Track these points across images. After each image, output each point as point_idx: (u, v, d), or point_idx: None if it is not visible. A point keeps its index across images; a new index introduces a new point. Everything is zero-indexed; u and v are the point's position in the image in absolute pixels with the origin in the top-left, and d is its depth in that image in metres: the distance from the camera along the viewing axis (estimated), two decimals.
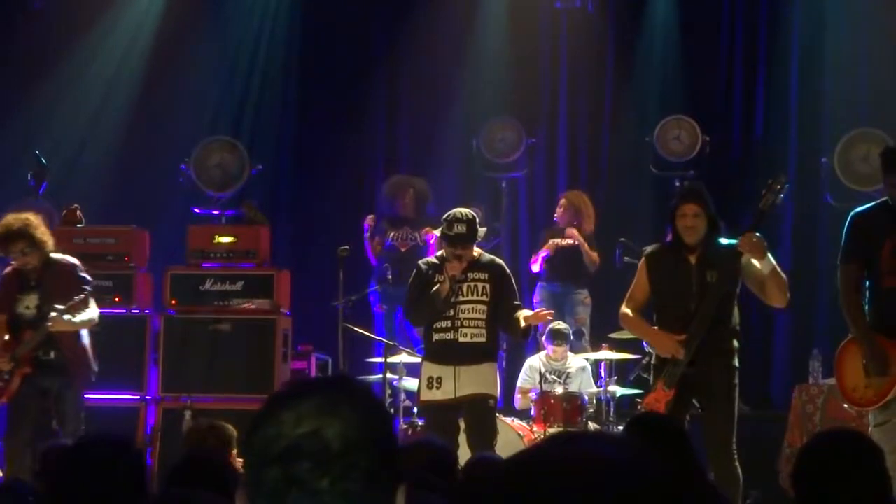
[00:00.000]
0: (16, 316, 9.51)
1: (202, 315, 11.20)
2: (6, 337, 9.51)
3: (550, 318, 10.09)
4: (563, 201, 13.02)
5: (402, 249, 12.48)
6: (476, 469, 5.13)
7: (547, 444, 2.01)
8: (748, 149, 13.94)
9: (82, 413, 9.54)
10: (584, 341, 12.43)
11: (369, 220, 12.79)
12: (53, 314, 9.33)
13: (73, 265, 9.65)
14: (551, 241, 12.73)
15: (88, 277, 9.67)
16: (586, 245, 12.65)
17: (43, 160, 11.58)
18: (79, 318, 9.44)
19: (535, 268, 12.85)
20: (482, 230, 9.15)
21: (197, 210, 13.10)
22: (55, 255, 9.57)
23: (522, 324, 8.90)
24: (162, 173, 13.63)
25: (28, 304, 9.49)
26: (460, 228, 8.88)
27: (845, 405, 8.00)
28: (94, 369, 9.66)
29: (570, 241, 12.68)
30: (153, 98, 14.16)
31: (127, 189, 13.75)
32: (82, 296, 9.45)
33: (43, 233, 9.44)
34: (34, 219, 9.44)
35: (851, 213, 7.64)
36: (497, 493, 1.94)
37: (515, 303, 9.06)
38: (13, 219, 9.39)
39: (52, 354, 9.48)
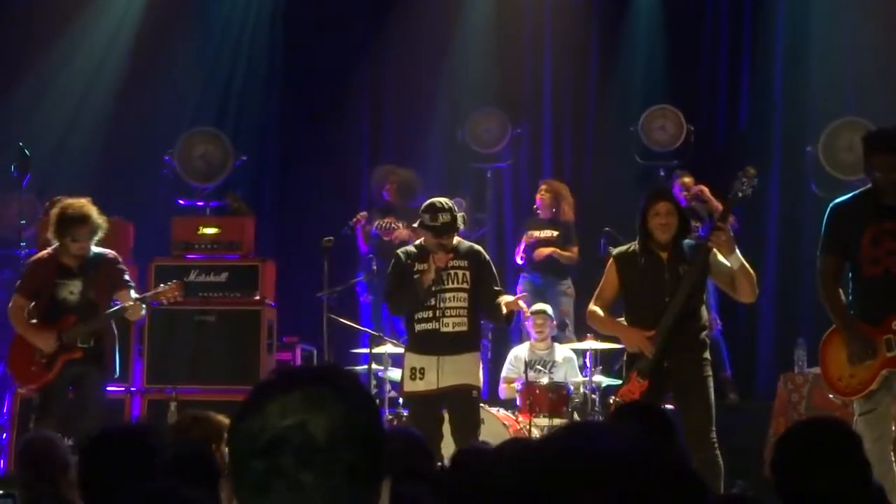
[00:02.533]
0: (57, 301, 9.51)
1: (187, 306, 11.18)
2: (31, 320, 9.57)
3: (524, 301, 10.00)
4: (543, 187, 13.00)
5: (386, 238, 12.46)
6: (467, 458, 5.12)
7: (555, 438, 2.00)
8: (733, 138, 13.94)
9: (105, 407, 9.56)
10: (568, 332, 12.43)
11: (361, 216, 12.76)
12: (131, 302, 9.48)
13: (117, 257, 9.75)
14: (528, 234, 12.72)
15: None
16: (562, 253, 12.62)
17: (26, 152, 11.53)
18: (143, 309, 9.71)
19: (519, 260, 12.84)
20: (461, 215, 9.17)
21: (181, 201, 13.09)
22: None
23: (504, 310, 8.91)
24: (146, 165, 13.61)
25: (72, 290, 9.49)
26: (445, 217, 8.90)
27: (831, 395, 8.01)
28: (116, 365, 9.72)
29: (550, 234, 12.67)
30: (137, 89, 14.11)
31: (111, 180, 13.67)
32: (169, 286, 9.73)
33: (104, 221, 9.52)
34: (94, 205, 9.51)
35: (831, 205, 7.64)
36: (510, 489, 1.94)
37: (496, 288, 9.06)
38: (84, 203, 9.46)
39: (92, 342, 9.51)
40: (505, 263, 13.27)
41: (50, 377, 9.45)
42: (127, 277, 9.67)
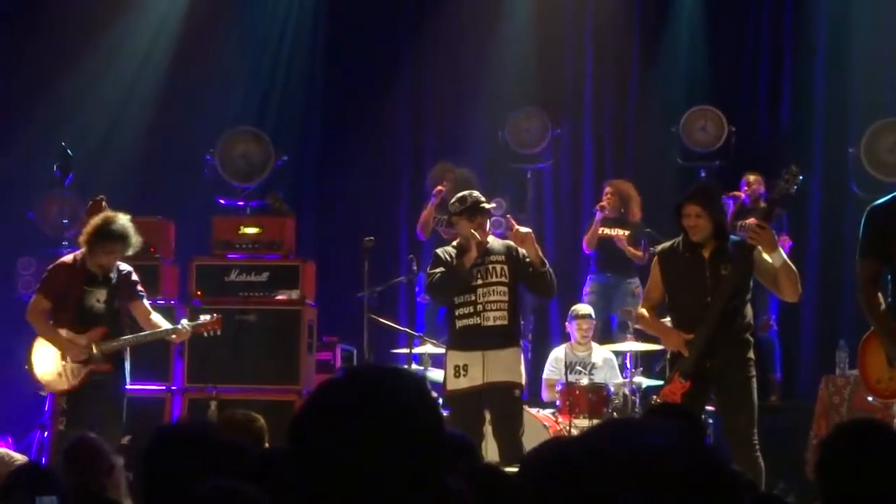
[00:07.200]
0: (85, 308, 9.44)
1: (227, 306, 11.19)
2: (55, 325, 9.49)
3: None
4: (608, 189, 12.93)
5: (445, 236, 12.45)
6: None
7: (595, 436, 2.01)
8: (774, 139, 13.88)
9: (124, 412, 9.49)
10: (628, 333, 12.33)
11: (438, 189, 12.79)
12: (181, 327, 9.76)
13: (131, 270, 9.67)
14: (601, 230, 12.61)
15: None
16: (630, 249, 12.54)
17: (69, 151, 11.59)
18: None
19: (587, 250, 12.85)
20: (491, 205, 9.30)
21: (222, 201, 13.11)
22: None
23: (528, 259, 8.97)
24: (187, 164, 13.64)
25: (98, 298, 9.44)
26: (473, 198, 9.03)
27: (869, 398, 7.94)
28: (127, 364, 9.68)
29: (621, 232, 12.58)
30: (178, 89, 14.17)
31: (152, 180, 13.76)
32: (212, 318, 9.88)
33: (138, 241, 9.48)
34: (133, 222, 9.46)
35: (869, 207, 7.51)
36: (555, 484, 1.94)
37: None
38: (126, 221, 9.36)
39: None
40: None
41: (75, 385, 9.40)
42: (140, 289, 9.64)
